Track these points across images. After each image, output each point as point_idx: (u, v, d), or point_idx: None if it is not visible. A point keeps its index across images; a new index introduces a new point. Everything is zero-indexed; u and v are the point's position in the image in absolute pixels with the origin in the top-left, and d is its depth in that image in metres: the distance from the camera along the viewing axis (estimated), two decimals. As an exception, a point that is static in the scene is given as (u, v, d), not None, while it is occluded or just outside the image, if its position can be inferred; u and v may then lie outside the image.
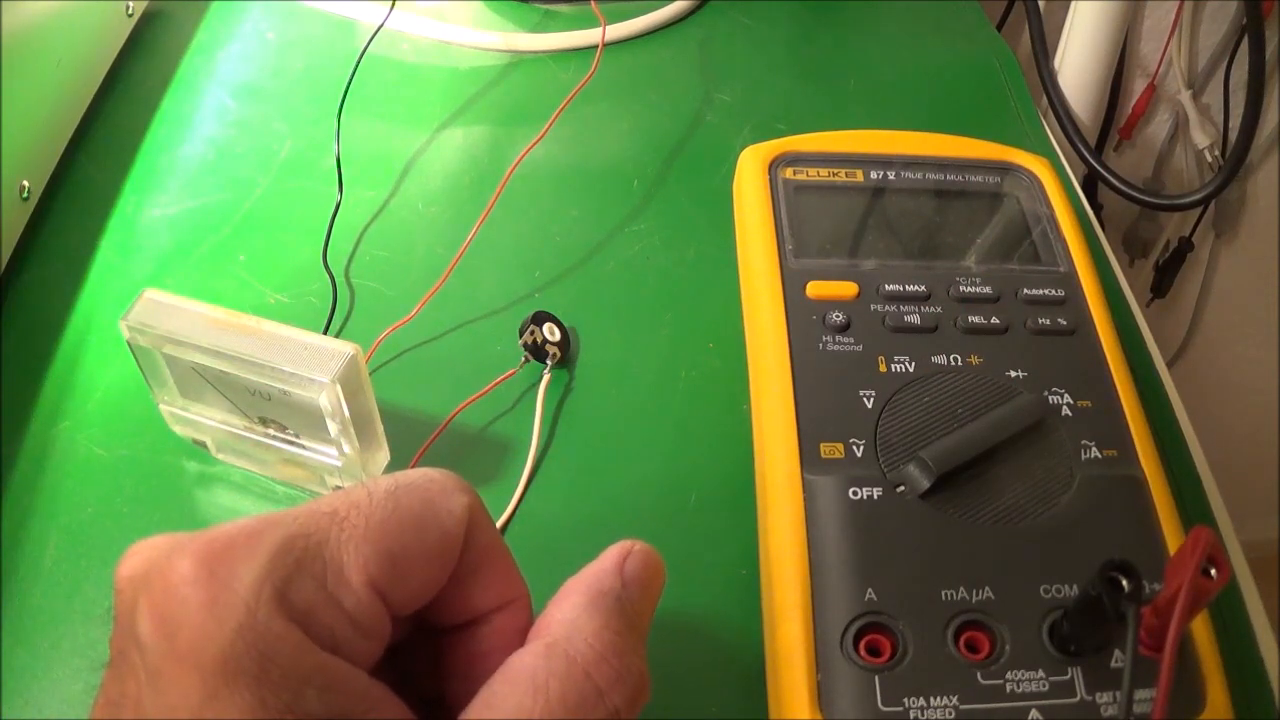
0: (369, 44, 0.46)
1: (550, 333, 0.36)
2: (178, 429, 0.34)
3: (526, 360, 0.36)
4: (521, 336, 0.36)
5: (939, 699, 0.25)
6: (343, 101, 0.44)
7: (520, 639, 0.22)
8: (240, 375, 0.30)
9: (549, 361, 0.36)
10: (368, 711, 0.19)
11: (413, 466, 0.33)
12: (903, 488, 0.29)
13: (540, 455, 0.34)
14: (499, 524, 0.32)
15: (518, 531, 0.33)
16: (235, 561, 0.18)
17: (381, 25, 0.47)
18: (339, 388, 0.29)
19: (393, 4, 0.47)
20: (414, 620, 0.22)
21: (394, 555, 0.20)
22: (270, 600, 0.18)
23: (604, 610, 0.21)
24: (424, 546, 0.20)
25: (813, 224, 0.37)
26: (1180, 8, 0.74)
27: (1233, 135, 0.79)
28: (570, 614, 0.21)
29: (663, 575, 0.23)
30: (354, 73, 0.45)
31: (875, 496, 0.29)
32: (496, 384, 0.35)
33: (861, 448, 0.30)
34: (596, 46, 0.48)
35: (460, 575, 0.22)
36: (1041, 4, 0.59)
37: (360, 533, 0.20)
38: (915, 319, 0.33)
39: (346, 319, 0.39)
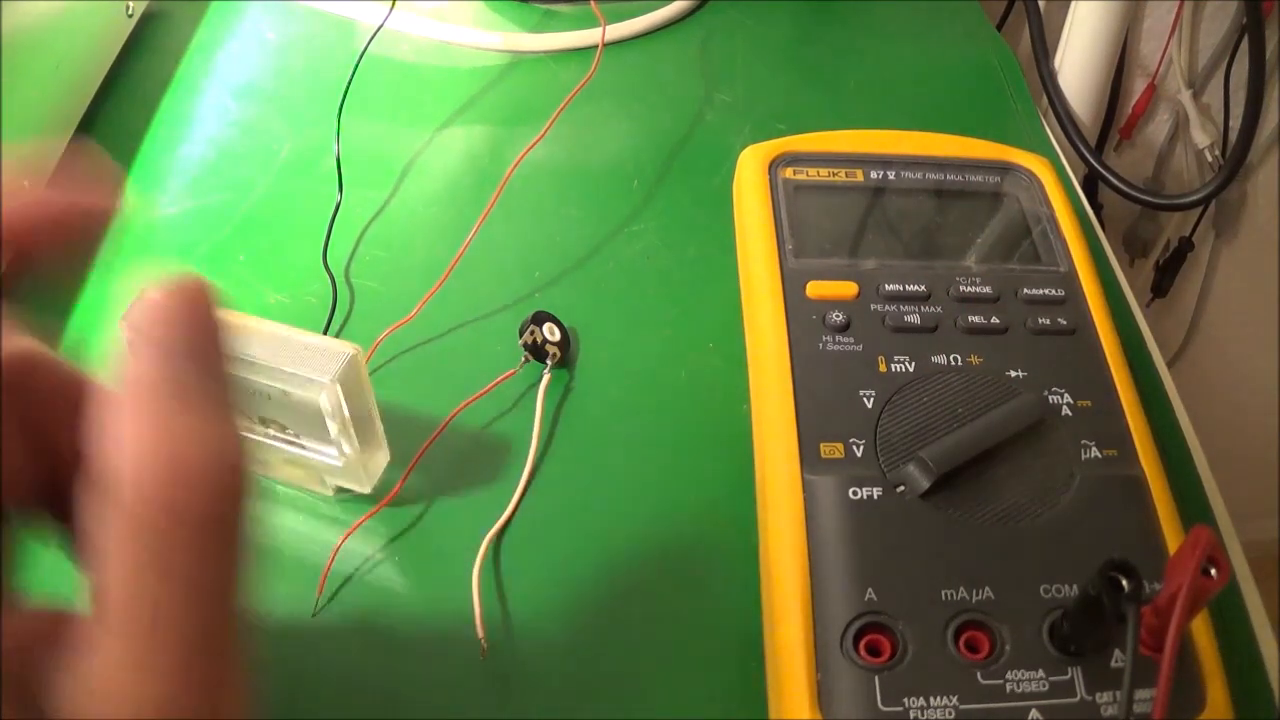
0: (369, 44, 0.46)
1: (550, 333, 0.36)
2: (178, 429, 0.34)
3: (526, 360, 0.36)
4: (521, 336, 0.36)
5: (939, 699, 0.25)
6: (343, 102, 0.44)
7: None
8: (240, 375, 0.30)
9: (549, 361, 0.36)
10: None
11: (412, 468, 0.33)
12: (903, 488, 0.29)
13: (540, 455, 0.34)
14: (498, 525, 0.32)
15: (518, 531, 0.33)
16: None
17: (381, 25, 0.47)
18: (339, 388, 0.29)
19: (393, 4, 0.47)
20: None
21: None
22: None
23: (139, 398, 0.15)
24: None
25: (813, 224, 0.37)
26: (1180, 8, 0.74)
27: (1233, 135, 0.79)
28: (104, 426, 0.15)
29: (200, 297, 0.17)
30: (354, 73, 0.45)
31: (875, 496, 0.29)
32: (496, 384, 0.35)
33: (861, 448, 0.30)
34: (596, 46, 0.48)
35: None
36: (1041, 4, 0.59)
37: None
38: (915, 319, 0.33)
39: (346, 319, 0.39)
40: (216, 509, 0.14)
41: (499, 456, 0.34)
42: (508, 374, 0.35)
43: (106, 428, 0.15)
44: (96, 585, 0.14)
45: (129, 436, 0.14)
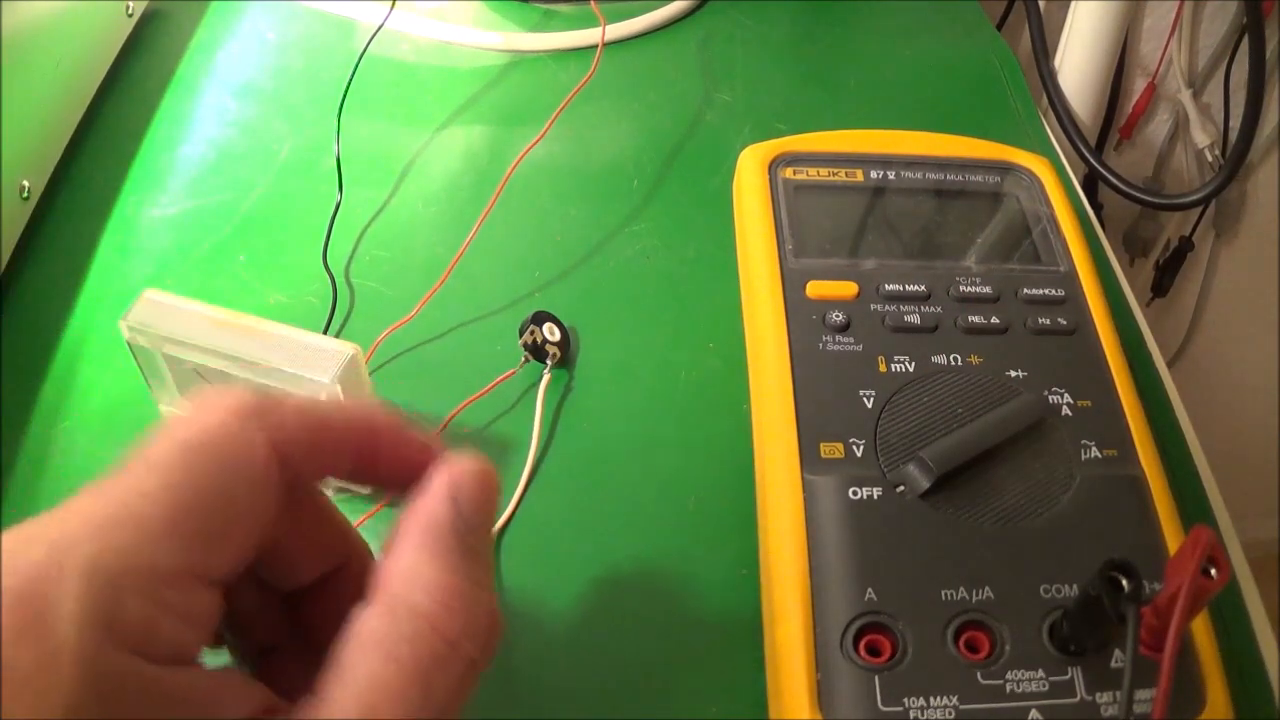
0: (369, 44, 0.46)
1: (550, 332, 0.36)
2: (178, 429, 0.34)
3: (526, 360, 0.36)
4: (521, 336, 0.36)
5: (939, 699, 0.25)
6: (343, 102, 0.44)
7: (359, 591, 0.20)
8: (240, 375, 0.30)
9: (549, 361, 0.36)
10: (222, 711, 0.18)
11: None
12: (903, 488, 0.29)
13: (540, 455, 0.34)
14: (498, 525, 0.32)
15: (518, 532, 0.33)
16: (47, 603, 0.16)
17: (381, 25, 0.47)
18: (339, 388, 0.29)
19: (393, 4, 0.47)
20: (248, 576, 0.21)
21: (206, 534, 0.18)
22: (100, 636, 0.16)
23: (440, 550, 0.19)
24: (236, 509, 0.18)
25: (813, 224, 0.37)
26: (1180, 8, 0.74)
27: (1233, 135, 0.79)
28: (406, 561, 0.19)
29: (496, 487, 0.21)
30: (354, 73, 0.45)
31: (875, 496, 0.29)
32: (496, 384, 0.35)
33: (861, 448, 0.30)
34: (596, 46, 0.48)
35: (288, 530, 0.20)
36: (1041, 4, 0.59)
37: (163, 523, 0.17)
38: (915, 319, 0.33)
39: (346, 319, 0.39)
40: (481, 658, 0.19)
41: (499, 456, 0.34)
42: (508, 374, 0.35)
43: (407, 559, 0.19)
44: (341, 672, 0.18)
45: (432, 579, 0.19)
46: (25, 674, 0.15)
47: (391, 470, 0.22)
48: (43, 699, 0.15)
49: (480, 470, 0.21)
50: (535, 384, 0.36)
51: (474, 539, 0.20)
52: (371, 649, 0.18)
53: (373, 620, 0.18)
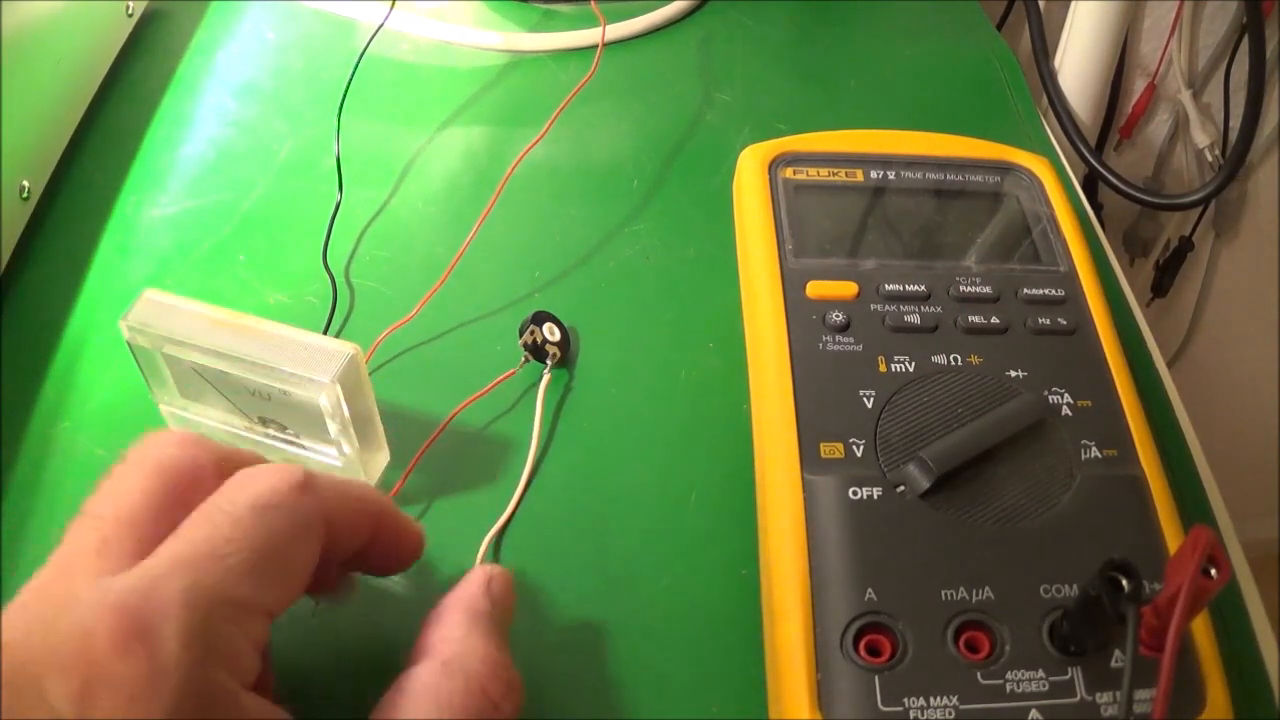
0: (369, 44, 0.46)
1: (550, 332, 0.36)
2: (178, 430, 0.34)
3: (526, 360, 0.36)
4: (521, 336, 0.36)
5: (939, 699, 0.25)
6: (343, 101, 0.44)
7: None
8: (240, 375, 0.30)
9: (549, 361, 0.36)
10: None
11: (412, 468, 0.33)
12: (903, 488, 0.29)
13: (540, 455, 0.34)
14: (498, 525, 0.32)
15: (518, 531, 0.33)
16: (152, 620, 0.18)
17: (381, 25, 0.47)
18: (339, 388, 0.29)
19: (393, 4, 0.47)
20: None
21: (278, 577, 0.21)
22: (206, 654, 0.18)
23: (485, 629, 0.24)
24: (298, 558, 0.22)
25: (813, 224, 0.37)
26: (1180, 8, 0.74)
27: (1233, 135, 0.79)
28: (457, 633, 0.24)
29: (514, 594, 0.27)
30: (354, 72, 0.45)
31: (875, 496, 0.29)
32: (496, 384, 0.35)
33: (861, 448, 0.30)
34: (596, 46, 0.48)
35: (327, 545, 0.23)
36: (1041, 4, 0.59)
37: (246, 565, 0.20)
38: (915, 319, 0.33)
39: (346, 319, 0.39)
40: (508, 709, 0.23)
41: (499, 456, 0.34)
42: (507, 374, 0.35)
43: (457, 632, 0.24)
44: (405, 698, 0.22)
45: (481, 649, 0.24)
46: (137, 684, 0.18)
47: (385, 554, 0.26)
48: (150, 707, 0.18)
49: (506, 574, 0.27)
50: (535, 384, 0.36)
51: (503, 623, 0.25)
52: (427, 700, 0.22)
53: (427, 677, 0.22)
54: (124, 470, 0.23)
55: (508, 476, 0.34)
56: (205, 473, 0.23)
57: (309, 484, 0.23)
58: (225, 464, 0.24)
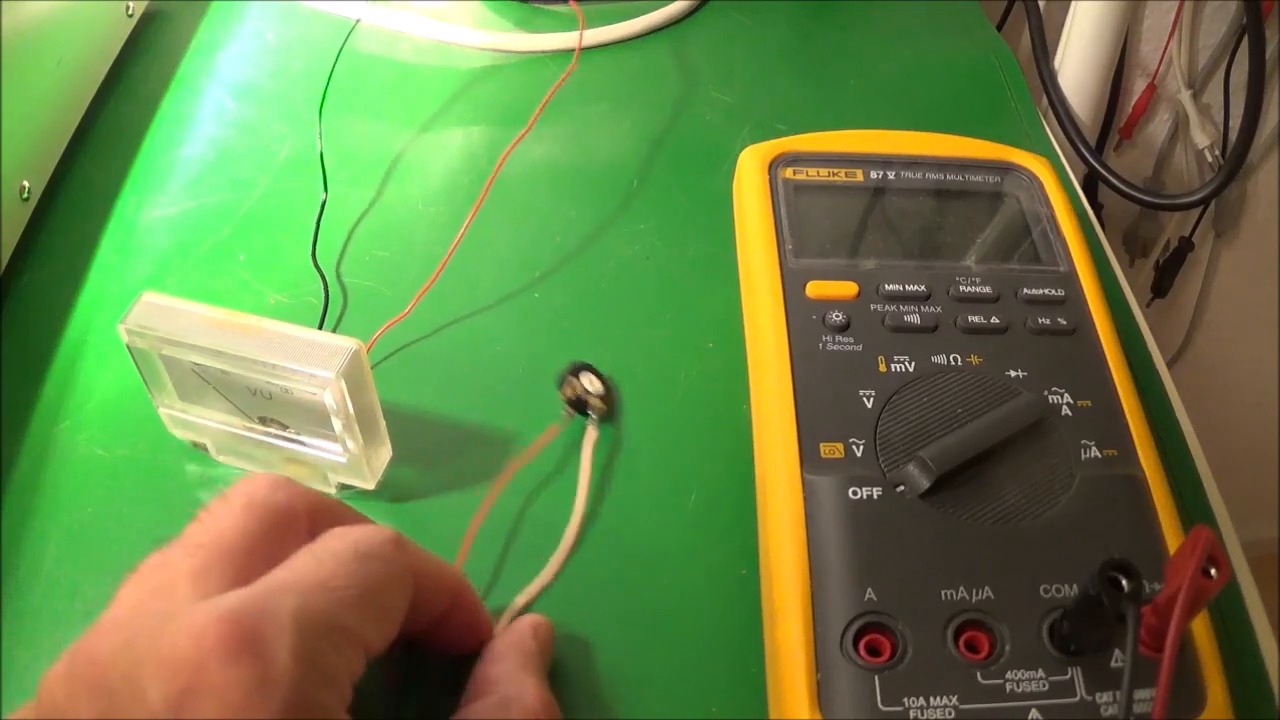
0: (345, 41, 0.46)
1: (590, 383, 0.35)
2: (177, 432, 0.34)
3: (570, 416, 0.34)
4: (560, 389, 0.35)
5: (939, 699, 0.25)
6: (323, 98, 0.44)
7: (468, 634, 0.28)
8: (241, 374, 0.30)
9: (592, 415, 0.34)
10: None
11: (469, 540, 0.31)
12: (903, 488, 0.29)
13: (587, 515, 0.33)
14: (539, 585, 0.32)
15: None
16: (265, 632, 0.19)
17: (357, 23, 0.47)
18: (343, 383, 0.29)
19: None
20: None
21: (377, 617, 0.22)
22: (312, 672, 0.19)
23: (535, 670, 0.26)
24: (393, 604, 0.23)
25: (813, 224, 0.37)
26: (1180, 8, 0.74)
27: (1233, 135, 0.79)
28: (511, 672, 0.26)
29: (553, 637, 0.29)
30: (333, 68, 0.45)
31: (875, 496, 0.29)
32: (543, 444, 0.33)
33: (861, 448, 0.30)
34: (594, 46, 0.48)
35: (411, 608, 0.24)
36: (1041, 4, 0.59)
37: (352, 599, 0.21)
38: (915, 319, 0.33)
39: (341, 317, 0.39)
40: None
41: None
42: (552, 430, 0.34)
43: (511, 672, 0.26)
44: None
45: (534, 687, 0.26)
46: (243, 693, 0.18)
47: (457, 630, 0.27)
48: (259, 712, 0.18)
49: (549, 622, 0.29)
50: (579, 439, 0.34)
51: (547, 665, 0.28)
52: None
53: (488, 712, 0.25)
54: (221, 506, 0.24)
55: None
56: (299, 516, 0.24)
57: (402, 541, 0.24)
58: (317, 510, 0.25)
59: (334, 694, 0.20)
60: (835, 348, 0.32)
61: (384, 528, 0.24)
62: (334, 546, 0.23)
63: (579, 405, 0.35)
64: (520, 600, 0.31)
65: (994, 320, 0.33)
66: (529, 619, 0.29)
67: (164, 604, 0.21)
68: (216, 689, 0.18)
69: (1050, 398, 0.31)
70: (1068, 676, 0.26)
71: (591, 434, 0.34)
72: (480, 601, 0.28)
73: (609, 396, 0.35)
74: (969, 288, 0.34)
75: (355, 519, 0.27)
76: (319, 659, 0.20)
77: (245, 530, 0.23)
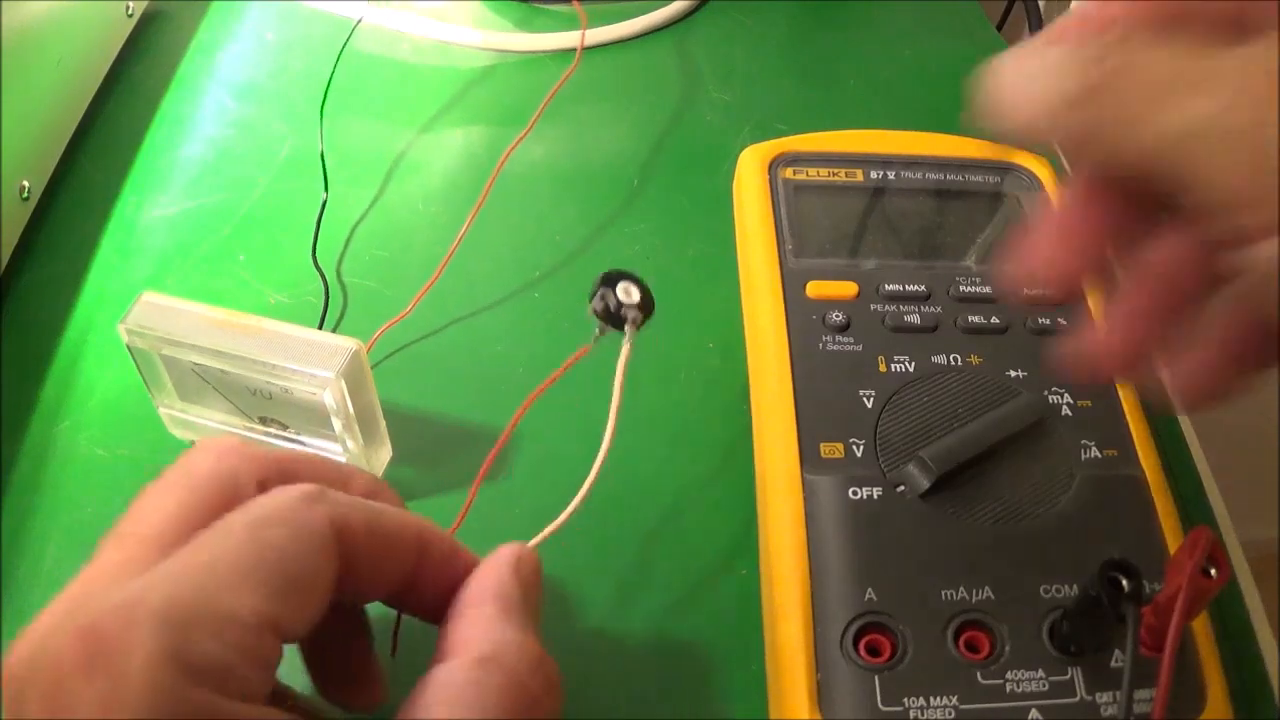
0: (347, 41, 0.46)
1: (626, 294, 0.30)
2: (177, 432, 0.34)
3: (602, 332, 0.30)
4: (591, 302, 0.30)
5: (939, 699, 0.25)
6: (324, 97, 0.44)
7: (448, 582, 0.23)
8: (241, 374, 0.30)
9: (629, 329, 0.29)
10: None
11: (483, 474, 0.30)
12: (903, 488, 0.29)
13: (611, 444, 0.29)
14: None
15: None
16: (118, 641, 0.18)
17: (359, 22, 0.47)
18: (343, 383, 0.29)
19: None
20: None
21: (275, 588, 0.20)
22: (173, 671, 0.18)
23: (519, 619, 0.22)
24: (301, 569, 0.20)
25: (813, 224, 0.37)
26: (1180, 8, 0.74)
27: (1233, 135, 0.79)
28: (489, 626, 0.22)
29: (542, 575, 0.24)
30: (335, 66, 0.44)
31: (875, 496, 0.29)
32: (570, 364, 0.29)
33: (861, 448, 0.30)
34: (594, 46, 0.48)
35: (354, 571, 0.22)
36: (1041, 4, 0.59)
37: (236, 577, 0.19)
38: (915, 319, 0.33)
39: (341, 317, 0.39)
40: (550, 705, 0.21)
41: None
42: (582, 350, 0.30)
43: (487, 623, 0.22)
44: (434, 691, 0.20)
45: (516, 641, 0.21)
46: (100, 707, 0.17)
47: (437, 587, 0.23)
48: None
49: (534, 553, 0.24)
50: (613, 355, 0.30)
51: (535, 609, 0.23)
52: (465, 699, 0.20)
53: (462, 674, 0.21)
54: (157, 485, 0.22)
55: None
56: (244, 485, 0.22)
57: (318, 495, 0.21)
58: (270, 473, 0.23)
59: (222, 687, 0.18)
60: (835, 348, 0.32)
61: (298, 486, 0.22)
62: (228, 521, 0.20)
63: (613, 318, 0.30)
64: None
65: (994, 320, 0.33)
66: (506, 550, 0.24)
67: (74, 606, 0.20)
68: (73, 707, 0.17)
69: (1050, 398, 0.31)
70: (1068, 676, 0.26)
71: (626, 350, 0.29)
72: (459, 549, 0.24)
73: (646, 302, 0.30)
74: (969, 288, 0.34)
75: (324, 474, 0.24)
76: (190, 654, 0.18)
77: (178, 512, 0.21)
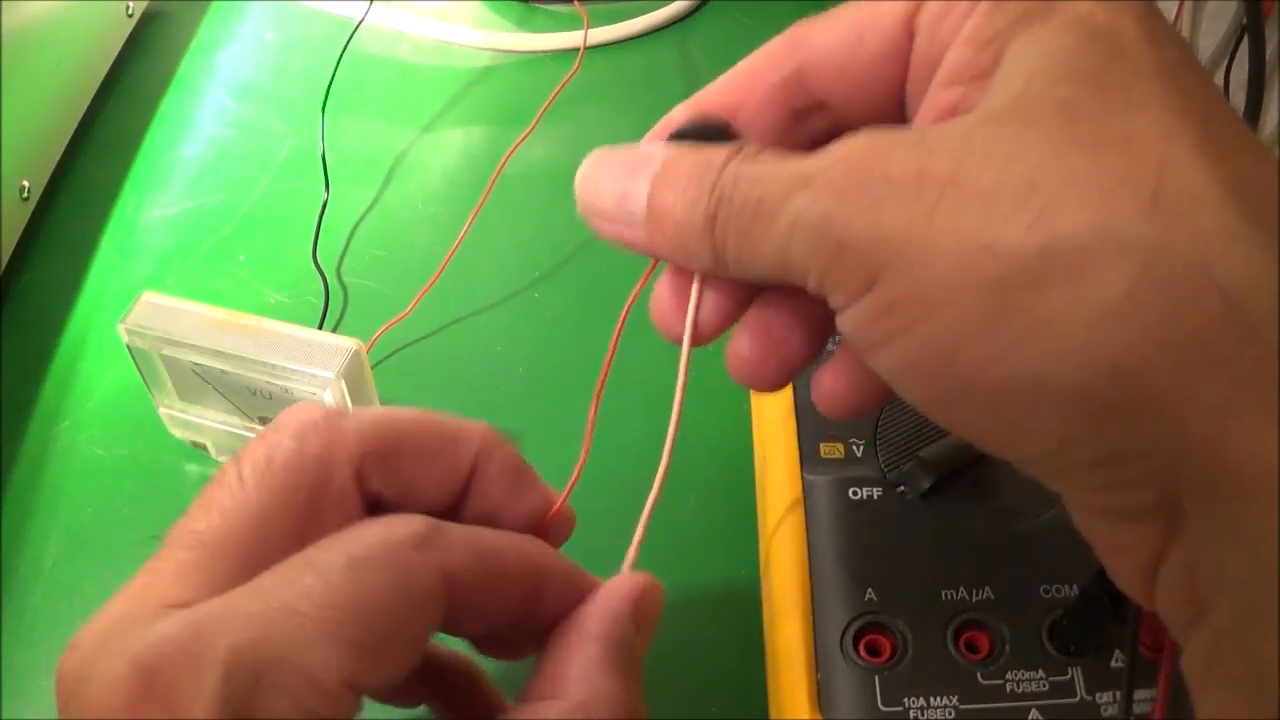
0: (349, 40, 0.46)
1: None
2: (177, 432, 0.34)
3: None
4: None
5: (939, 699, 0.25)
6: (326, 98, 0.44)
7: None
8: (241, 374, 0.30)
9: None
10: None
11: (583, 460, 0.27)
12: (903, 488, 0.29)
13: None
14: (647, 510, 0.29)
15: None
16: (178, 687, 0.16)
17: (360, 22, 0.47)
18: (343, 383, 0.29)
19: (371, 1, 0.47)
20: None
21: (367, 646, 0.17)
22: None
23: (622, 666, 0.20)
24: (400, 626, 0.18)
25: (813, 224, 0.36)
26: (1180, 8, 0.74)
27: (1233, 135, 0.79)
28: (592, 671, 0.20)
29: (663, 606, 0.22)
30: (337, 66, 0.44)
31: (875, 496, 0.29)
32: (645, 280, 0.27)
33: (861, 448, 0.30)
34: (594, 46, 0.48)
35: (455, 617, 0.19)
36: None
37: (325, 628, 0.17)
38: (915, 319, 0.33)
39: (341, 317, 0.39)
40: None
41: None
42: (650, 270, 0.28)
43: (593, 669, 0.20)
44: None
45: (618, 696, 0.19)
46: None
47: (545, 621, 0.21)
48: None
49: (659, 588, 0.22)
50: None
51: (640, 655, 0.21)
52: None
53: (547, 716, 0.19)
54: (231, 472, 0.19)
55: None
56: (336, 473, 0.19)
57: (432, 538, 0.18)
58: (369, 449, 0.20)
59: None
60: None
61: (407, 521, 0.19)
62: (326, 556, 0.18)
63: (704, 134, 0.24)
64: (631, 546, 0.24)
65: (994, 320, 0.33)
66: (628, 584, 0.21)
67: (128, 617, 0.17)
68: None
69: (1050, 398, 0.31)
70: (1068, 676, 0.26)
71: (696, 284, 0.25)
72: (576, 574, 0.22)
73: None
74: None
75: (432, 436, 0.21)
76: (255, 708, 0.16)
77: (257, 508, 0.18)
